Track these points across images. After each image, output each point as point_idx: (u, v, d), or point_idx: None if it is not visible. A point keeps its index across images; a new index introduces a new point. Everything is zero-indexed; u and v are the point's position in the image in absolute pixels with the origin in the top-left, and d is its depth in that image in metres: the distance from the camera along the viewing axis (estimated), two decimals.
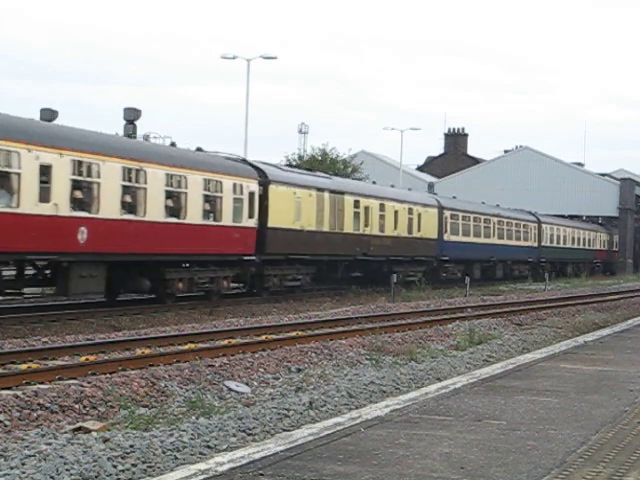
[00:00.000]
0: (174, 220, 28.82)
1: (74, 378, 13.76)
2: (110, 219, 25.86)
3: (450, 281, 50.26)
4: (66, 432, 10.47)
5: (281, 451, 8.16)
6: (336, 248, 38.77)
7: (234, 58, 53.63)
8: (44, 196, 23.39)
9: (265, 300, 34.02)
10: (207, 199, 30.59)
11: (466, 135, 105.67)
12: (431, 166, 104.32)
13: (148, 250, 27.73)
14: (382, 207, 43.55)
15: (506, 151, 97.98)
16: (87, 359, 15.77)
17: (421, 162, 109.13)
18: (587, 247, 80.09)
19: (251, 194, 32.92)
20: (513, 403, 11.12)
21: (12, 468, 8.61)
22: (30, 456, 9.03)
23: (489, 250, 56.86)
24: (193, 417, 11.40)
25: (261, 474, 7.33)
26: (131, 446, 9.41)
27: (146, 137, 30.92)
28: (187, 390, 13.64)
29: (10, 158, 22.45)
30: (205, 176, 30.46)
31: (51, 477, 8.41)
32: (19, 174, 22.56)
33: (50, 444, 9.53)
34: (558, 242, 71.77)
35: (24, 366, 14.82)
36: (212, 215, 30.90)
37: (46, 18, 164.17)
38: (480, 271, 55.81)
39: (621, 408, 10.97)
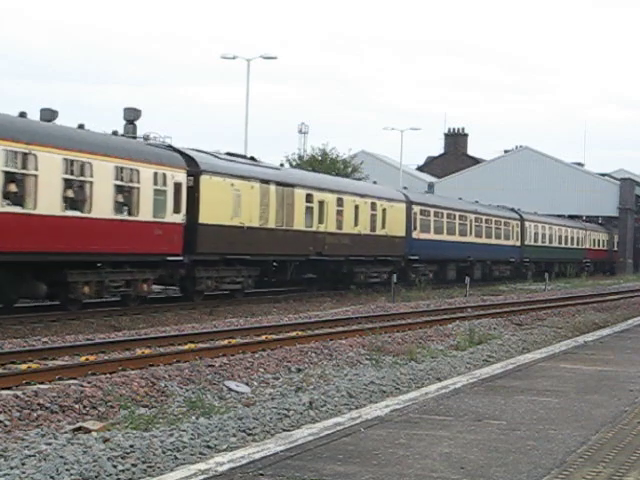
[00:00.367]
0: (75, 214, 24.96)
1: (74, 378, 13.75)
2: None
3: (420, 282, 44.69)
4: (66, 432, 10.47)
5: (281, 451, 8.16)
6: (285, 247, 35.23)
7: (234, 58, 53.64)
8: None
9: (265, 300, 33.99)
10: (120, 190, 26.57)
11: (466, 135, 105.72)
12: (431, 166, 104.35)
13: (41, 249, 23.93)
14: (340, 201, 39.74)
15: (506, 151, 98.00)
16: (87, 359, 15.77)
17: (421, 162, 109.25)
18: (576, 246, 77.23)
19: (177, 185, 29.11)
20: (513, 403, 11.12)
21: (12, 468, 8.62)
22: (30, 456, 9.03)
23: (465, 249, 53.15)
24: (193, 417, 11.40)
25: (261, 474, 7.33)
26: (131, 446, 9.42)
27: (146, 137, 30.90)
28: (187, 390, 13.64)
29: None
30: (117, 163, 26.41)
31: (51, 477, 8.41)
32: None
33: (50, 444, 9.53)
34: (543, 241, 68.56)
35: (24, 366, 14.82)
36: (127, 209, 27.03)
37: (46, 18, 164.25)
38: (455, 272, 52.10)
39: (621, 408, 10.97)
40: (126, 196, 26.92)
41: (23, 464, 8.78)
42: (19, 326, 22.27)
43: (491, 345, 20.96)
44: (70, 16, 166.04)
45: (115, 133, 28.92)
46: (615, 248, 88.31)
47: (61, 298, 25.59)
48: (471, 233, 55.02)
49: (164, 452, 9.45)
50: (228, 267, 32.34)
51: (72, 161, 24.78)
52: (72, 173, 24.82)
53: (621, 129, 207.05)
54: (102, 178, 25.77)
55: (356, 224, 41.03)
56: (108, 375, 14.02)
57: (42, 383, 13.35)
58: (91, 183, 25.41)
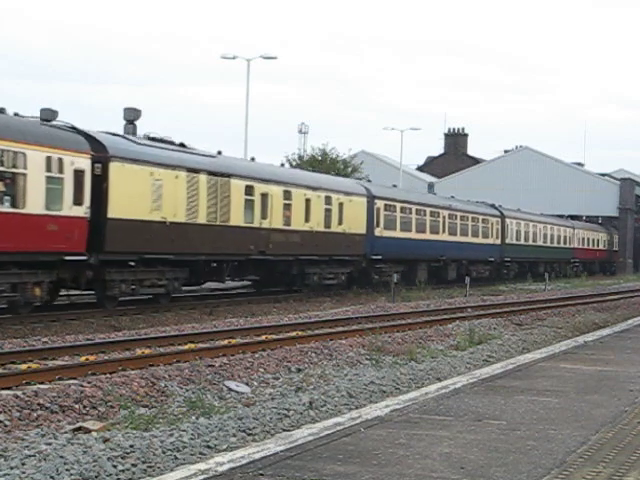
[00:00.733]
0: None
1: (74, 378, 13.75)
2: None
3: (385, 284, 41.41)
4: (66, 432, 10.47)
5: (281, 451, 8.16)
6: (219, 245, 31.10)
7: (234, 58, 53.64)
8: None
9: (265, 300, 33.95)
10: None
11: (466, 135, 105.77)
12: (431, 166, 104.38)
13: None
14: (287, 195, 35.39)
15: (506, 151, 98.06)
16: (87, 359, 15.77)
17: (421, 162, 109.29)
18: (562, 245, 73.50)
19: (79, 173, 24.82)
20: (513, 403, 11.12)
21: (12, 468, 8.62)
22: (30, 456, 9.03)
23: (438, 248, 48.88)
24: (193, 417, 11.40)
25: (261, 474, 7.33)
26: (131, 446, 9.42)
27: (146, 137, 30.91)
28: (187, 390, 13.64)
29: None
30: None
31: (51, 477, 8.41)
32: None
33: (50, 444, 9.53)
34: (526, 239, 64.61)
35: (24, 366, 14.83)
36: (9, 199, 22.85)
37: (46, 18, 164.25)
38: (427, 272, 47.82)
39: (621, 408, 10.97)
40: (8, 184, 22.75)
41: (23, 464, 8.78)
42: (19, 326, 22.27)
43: (491, 345, 20.97)
44: (70, 16, 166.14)
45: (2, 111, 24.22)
46: (614, 248, 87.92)
47: None
48: (444, 231, 50.78)
49: (164, 452, 9.45)
50: (148, 268, 28.09)
51: None
52: None
53: (621, 129, 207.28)
54: None
55: (307, 220, 36.78)
56: (108, 375, 14.02)
57: (42, 383, 13.35)
58: None
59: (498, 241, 59.04)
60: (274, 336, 20.55)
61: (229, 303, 31.90)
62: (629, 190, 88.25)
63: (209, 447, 9.89)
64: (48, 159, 23.90)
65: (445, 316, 27.90)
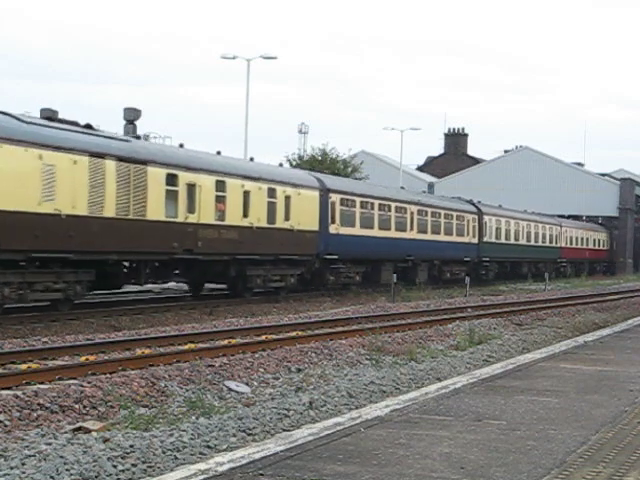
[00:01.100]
0: None
1: (74, 378, 13.75)
2: None
3: (345, 287, 40.08)
4: (66, 432, 10.47)
5: (281, 451, 8.16)
6: (133, 243, 26.98)
7: (234, 58, 53.66)
8: None
9: (265, 300, 33.94)
10: None
11: (466, 135, 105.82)
12: (431, 166, 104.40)
13: None
14: (221, 185, 31.35)
15: (506, 151, 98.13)
16: (87, 359, 15.77)
17: (421, 162, 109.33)
18: (548, 244, 69.27)
19: None
20: (513, 403, 11.12)
21: (12, 468, 8.62)
22: (30, 456, 9.03)
23: (405, 247, 45.07)
24: (193, 417, 11.40)
25: (261, 474, 7.33)
26: (131, 446, 9.42)
27: (146, 137, 30.91)
28: (187, 390, 13.64)
29: None
30: None
31: (51, 477, 8.41)
32: None
33: (50, 444, 9.53)
34: (507, 237, 60.49)
35: (24, 366, 14.82)
36: None
37: (46, 18, 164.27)
38: (392, 273, 42.44)
39: (621, 408, 10.97)
40: None
41: (23, 464, 8.78)
42: (19, 326, 22.27)
43: (491, 345, 20.97)
44: (70, 16, 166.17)
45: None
46: (607, 247, 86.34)
47: None
48: (413, 228, 46.75)
49: (164, 452, 9.45)
50: (40, 270, 24.10)
51: None
52: None
53: (621, 129, 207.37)
54: None
55: (246, 215, 32.71)
56: (108, 375, 14.02)
57: (42, 383, 13.35)
58: None
59: (475, 239, 55.17)
60: (274, 336, 20.54)
61: (229, 303, 31.89)
62: (629, 190, 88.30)
63: (209, 447, 9.89)
64: None
65: (445, 316, 27.91)
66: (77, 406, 12.08)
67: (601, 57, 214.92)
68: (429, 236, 48.56)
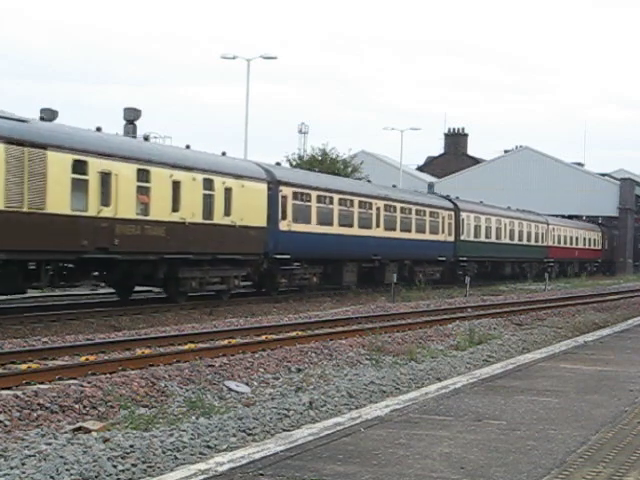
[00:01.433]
0: None
1: (74, 378, 13.75)
2: None
3: (302, 289, 36.85)
4: (66, 432, 10.47)
5: (281, 451, 8.16)
6: (29, 240, 23.30)
7: (234, 58, 53.64)
8: None
9: (265, 300, 33.92)
10: None
11: (466, 135, 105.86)
12: (431, 166, 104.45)
13: None
14: (144, 175, 27.33)
15: (506, 151, 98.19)
16: (87, 359, 15.77)
17: (421, 162, 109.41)
18: (534, 243, 65.40)
19: None
20: (513, 403, 11.12)
21: (12, 468, 8.62)
22: (30, 456, 9.03)
23: (370, 245, 41.56)
24: (193, 417, 11.40)
25: (261, 474, 7.33)
26: (131, 446, 9.42)
27: (146, 137, 30.90)
28: (187, 390, 13.64)
29: None
30: None
31: (51, 477, 8.41)
32: None
33: (50, 444, 9.53)
34: (488, 236, 56.42)
35: (24, 366, 14.82)
36: None
37: (46, 18, 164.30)
38: (356, 274, 41.08)
39: (621, 408, 10.97)
40: None
41: (23, 464, 8.78)
42: (19, 326, 22.27)
43: (491, 345, 20.96)
44: (70, 16, 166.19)
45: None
46: (599, 246, 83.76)
47: None
48: (379, 225, 42.88)
49: (164, 452, 9.45)
50: None
51: None
52: None
53: (621, 129, 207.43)
54: None
55: (176, 209, 28.82)
56: (108, 375, 14.02)
57: (42, 383, 13.35)
58: None
59: (451, 238, 51.29)
60: (274, 336, 20.54)
61: (229, 303, 31.87)
62: (629, 190, 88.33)
63: (209, 447, 9.89)
64: None
65: (445, 316, 27.90)
66: (77, 406, 12.08)
67: (601, 57, 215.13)
68: (398, 234, 44.88)
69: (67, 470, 8.54)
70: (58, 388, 12.70)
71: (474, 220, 54.83)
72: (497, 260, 58.57)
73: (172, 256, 28.57)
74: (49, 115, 26.18)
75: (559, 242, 71.44)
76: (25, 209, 23.06)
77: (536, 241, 65.92)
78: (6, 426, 10.88)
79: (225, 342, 18.88)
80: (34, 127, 24.06)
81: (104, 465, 8.73)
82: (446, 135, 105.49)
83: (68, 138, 25.01)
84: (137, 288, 30.93)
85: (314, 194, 37.34)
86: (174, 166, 28.86)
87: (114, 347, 17.63)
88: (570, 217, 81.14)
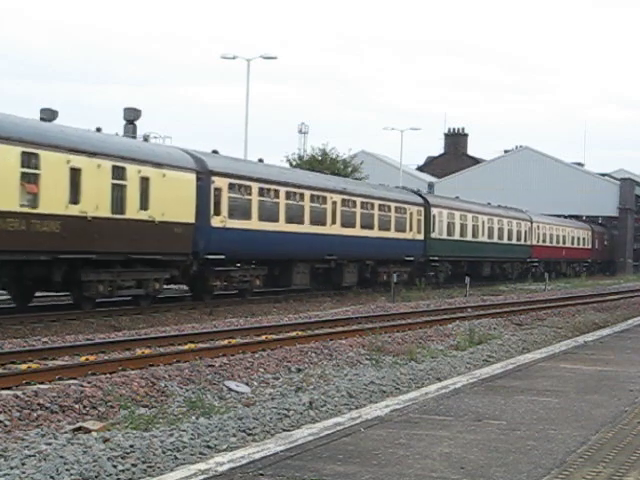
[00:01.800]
0: None
1: (74, 378, 13.75)
2: None
3: (243, 293, 33.13)
4: (66, 432, 10.47)
5: (281, 451, 8.16)
6: None
7: (234, 58, 53.65)
8: None
9: (265, 300, 33.89)
10: None
11: (466, 135, 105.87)
12: (431, 166, 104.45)
13: None
14: (31, 160, 23.30)
15: (506, 151, 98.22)
16: (87, 359, 15.77)
17: (421, 162, 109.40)
18: (516, 242, 61.44)
19: None
20: (513, 403, 11.12)
21: (12, 468, 8.61)
22: (30, 456, 9.02)
23: (324, 244, 37.51)
24: (193, 417, 11.40)
25: (261, 474, 7.33)
26: (131, 446, 9.41)
27: (146, 137, 30.89)
28: (187, 390, 13.64)
29: None
30: None
31: (51, 477, 8.41)
32: None
33: (50, 444, 9.52)
34: (463, 234, 52.53)
35: (24, 366, 14.82)
36: None
37: (46, 18, 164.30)
38: (309, 275, 37.15)
39: (621, 408, 10.97)
40: None
41: (23, 464, 8.77)
42: (19, 326, 22.27)
43: (491, 345, 20.96)
44: (70, 16, 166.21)
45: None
46: (589, 245, 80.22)
47: None
48: (335, 221, 38.77)
49: (164, 452, 9.45)
50: None
51: None
52: None
53: (621, 129, 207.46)
54: None
55: (75, 200, 24.80)
56: (108, 375, 14.02)
57: (42, 383, 13.34)
58: None
59: (420, 236, 47.21)
60: (274, 336, 20.54)
61: (229, 303, 31.86)
62: (629, 190, 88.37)
63: (209, 447, 9.89)
64: None
65: (445, 316, 27.90)
66: (77, 406, 12.08)
67: (601, 57, 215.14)
68: (358, 231, 40.72)
69: (67, 470, 8.54)
70: (58, 388, 12.70)
71: (447, 217, 50.95)
72: (474, 260, 54.41)
73: (71, 256, 24.62)
74: (49, 115, 26.20)
75: (544, 241, 67.72)
76: None
77: (518, 240, 62.13)
78: (6, 426, 10.88)
79: (225, 342, 18.88)
80: None
81: (104, 465, 8.73)
82: (446, 135, 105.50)
83: None
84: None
85: (255, 186, 33.17)
86: (73, 150, 24.65)
87: (114, 347, 17.63)
88: (570, 217, 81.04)
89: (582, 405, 11.11)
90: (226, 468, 7.51)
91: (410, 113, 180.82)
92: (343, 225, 39.45)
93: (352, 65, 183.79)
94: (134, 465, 8.93)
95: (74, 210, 24.69)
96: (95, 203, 25.31)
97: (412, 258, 45.83)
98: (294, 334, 21.08)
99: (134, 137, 30.41)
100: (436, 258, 48.60)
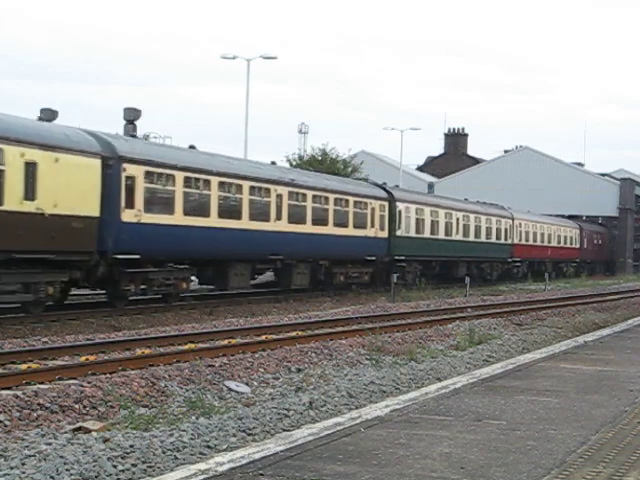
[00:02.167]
0: None
1: (74, 378, 13.76)
2: None
3: (166, 297, 29.01)
4: (66, 432, 10.47)
5: (281, 451, 8.16)
6: None
7: (234, 58, 53.65)
8: None
9: (265, 300, 33.87)
10: None
11: (466, 135, 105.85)
12: (431, 166, 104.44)
13: None
14: None
15: (506, 151, 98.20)
16: (87, 359, 15.78)
17: (421, 162, 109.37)
18: (495, 240, 56.99)
19: None
20: (513, 403, 11.12)
21: (12, 468, 8.62)
22: (30, 456, 9.03)
23: (268, 242, 33.36)
24: (193, 417, 11.40)
25: (261, 474, 7.33)
26: (131, 446, 9.42)
27: (146, 137, 30.87)
28: (187, 390, 13.64)
29: None
30: None
31: (51, 477, 8.41)
32: None
33: (50, 444, 9.53)
34: (434, 232, 48.14)
35: (24, 366, 14.83)
36: None
37: (46, 18, 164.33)
38: (248, 277, 33.43)
39: (621, 408, 10.97)
40: None
41: (23, 464, 8.78)
42: (19, 326, 22.27)
43: (491, 345, 20.97)
44: (70, 16, 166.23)
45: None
46: (577, 245, 76.68)
47: None
48: (281, 217, 34.46)
49: (164, 452, 9.45)
50: None
51: None
52: None
53: (621, 129, 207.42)
54: None
55: None
56: (108, 375, 14.02)
57: (42, 383, 13.35)
58: None
59: (383, 233, 42.62)
60: (274, 336, 20.54)
61: (229, 303, 31.85)
62: (629, 190, 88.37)
63: (209, 447, 9.89)
64: None
65: (445, 316, 27.91)
66: (77, 406, 12.08)
67: (601, 57, 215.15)
68: (309, 228, 36.36)
69: (67, 470, 8.55)
70: (58, 388, 12.70)
71: (415, 212, 46.24)
72: (447, 260, 50.19)
73: None
74: (49, 115, 26.15)
75: (527, 239, 63.42)
76: None
77: (498, 238, 57.53)
78: (6, 426, 10.89)
79: (225, 342, 18.88)
80: None
81: (104, 465, 8.73)
82: (446, 135, 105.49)
83: None
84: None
85: (180, 176, 28.85)
86: None
87: (114, 347, 17.64)
88: (570, 217, 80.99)
89: (582, 405, 11.11)
90: (226, 468, 7.51)
91: (410, 113, 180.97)
92: (291, 221, 35.06)
93: (352, 65, 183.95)
94: (134, 465, 8.93)
95: None
96: None
97: (374, 258, 41.56)
98: (294, 334, 21.08)
99: (134, 137, 30.32)
100: (402, 258, 44.20)
